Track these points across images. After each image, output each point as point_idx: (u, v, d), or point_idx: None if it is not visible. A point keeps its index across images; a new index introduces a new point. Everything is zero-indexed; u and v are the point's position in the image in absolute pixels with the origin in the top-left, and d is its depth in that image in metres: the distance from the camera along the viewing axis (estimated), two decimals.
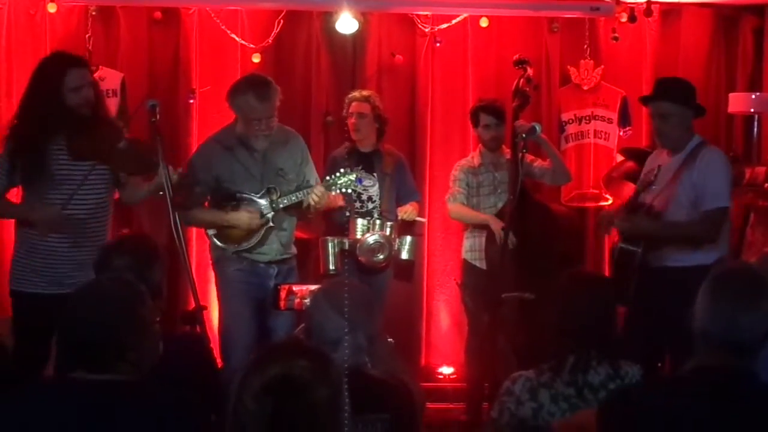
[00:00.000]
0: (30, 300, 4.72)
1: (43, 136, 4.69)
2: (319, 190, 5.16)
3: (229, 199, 5.18)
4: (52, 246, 4.72)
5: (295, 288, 5.17)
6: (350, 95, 6.22)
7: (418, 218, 6.23)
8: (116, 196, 4.99)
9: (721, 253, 4.91)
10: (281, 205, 5.17)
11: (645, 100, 5.17)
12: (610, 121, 6.94)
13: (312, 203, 5.14)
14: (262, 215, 5.16)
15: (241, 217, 5.15)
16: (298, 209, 5.27)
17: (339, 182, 5.20)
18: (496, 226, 5.85)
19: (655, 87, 5.13)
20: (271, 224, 5.18)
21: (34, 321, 4.60)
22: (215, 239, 5.26)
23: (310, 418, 2.17)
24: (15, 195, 4.96)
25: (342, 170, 5.27)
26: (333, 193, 5.26)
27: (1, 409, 2.67)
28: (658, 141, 5.15)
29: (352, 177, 5.22)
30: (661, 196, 4.93)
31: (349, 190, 5.29)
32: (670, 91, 5.00)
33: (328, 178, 5.27)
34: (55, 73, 4.72)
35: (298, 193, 5.18)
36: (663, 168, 5.01)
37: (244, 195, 5.19)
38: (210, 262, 5.49)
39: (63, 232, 4.67)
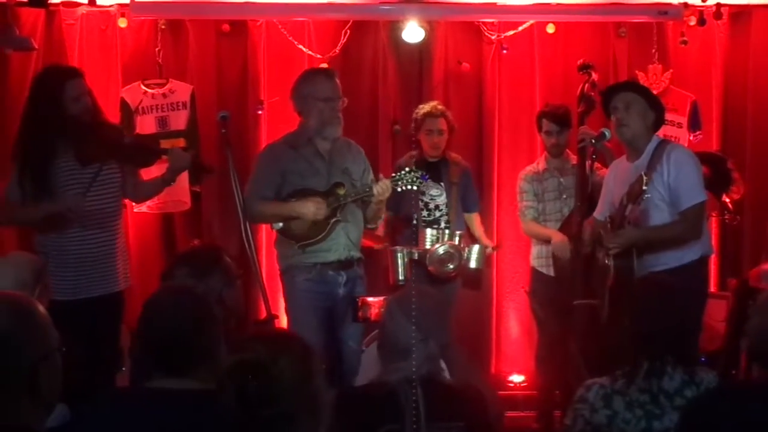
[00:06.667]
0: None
1: (50, 151, 4.76)
2: (384, 182, 5.06)
3: (295, 194, 5.10)
4: (64, 250, 4.77)
5: (370, 299, 5.19)
6: (424, 110, 6.19)
7: (487, 247, 6.21)
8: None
9: (704, 249, 4.89)
10: (349, 198, 5.07)
11: (608, 97, 5.09)
12: (679, 125, 6.85)
13: (376, 193, 5.02)
14: (329, 205, 5.06)
15: (308, 206, 5.03)
16: (363, 203, 5.19)
17: (405, 178, 5.07)
18: (557, 239, 5.85)
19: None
20: (337, 218, 5.09)
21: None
22: (281, 235, 5.19)
23: (273, 390, 2.19)
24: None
25: (408, 168, 5.20)
26: (398, 189, 5.16)
27: (86, 421, 2.72)
28: (618, 133, 5.04)
29: (418, 174, 5.14)
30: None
31: (414, 187, 5.14)
32: (632, 84, 5.16)
33: (394, 175, 5.15)
34: (54, 85, 4.80)
35: (365, 187, 5.10)
36: (633, 174, 4.92)
37: (311, 189, 5.11)
38: (278, 272, 5.44)
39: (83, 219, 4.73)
